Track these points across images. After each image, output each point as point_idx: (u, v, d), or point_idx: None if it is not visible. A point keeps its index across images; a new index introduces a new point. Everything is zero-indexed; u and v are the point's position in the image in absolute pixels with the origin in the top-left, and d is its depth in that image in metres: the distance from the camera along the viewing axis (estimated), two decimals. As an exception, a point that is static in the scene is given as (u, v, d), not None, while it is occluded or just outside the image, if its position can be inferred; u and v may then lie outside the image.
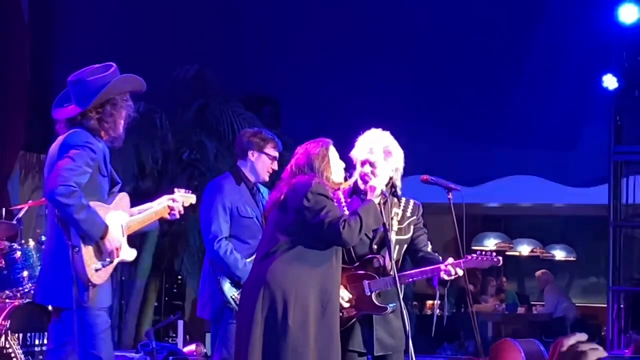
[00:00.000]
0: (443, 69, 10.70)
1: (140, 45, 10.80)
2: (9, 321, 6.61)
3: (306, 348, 4.96)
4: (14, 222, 7.37)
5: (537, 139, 10.50)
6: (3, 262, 7.06)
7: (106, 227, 4.90)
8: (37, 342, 6.84)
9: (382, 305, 5.30)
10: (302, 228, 5.05)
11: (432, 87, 10.71)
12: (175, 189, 5.45)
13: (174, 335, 9.94)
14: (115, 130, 5.08)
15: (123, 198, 5.18)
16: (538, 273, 14.25)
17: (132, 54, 10.42)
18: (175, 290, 12.43)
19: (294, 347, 4.94)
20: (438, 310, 6.00)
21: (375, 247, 5.36)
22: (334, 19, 10.96)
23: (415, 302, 13.42)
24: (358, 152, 5.36)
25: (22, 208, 7.44)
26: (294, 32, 10.98)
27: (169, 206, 5.30)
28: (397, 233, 5.38)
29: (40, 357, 6.78)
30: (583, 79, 10.04)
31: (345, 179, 5.30)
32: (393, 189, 5.39)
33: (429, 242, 5.55)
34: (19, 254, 7.04)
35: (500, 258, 5.40)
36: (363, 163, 5.33)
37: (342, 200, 5.37)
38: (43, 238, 6.64)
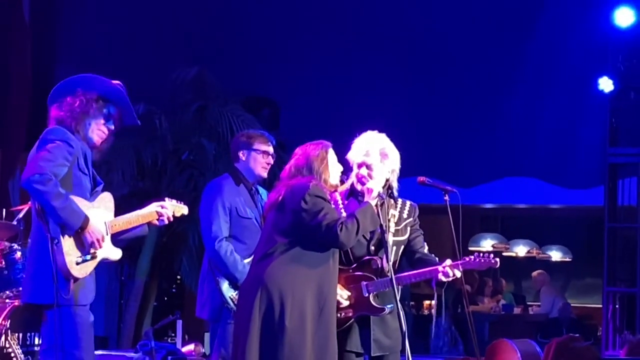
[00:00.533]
0: (440, 72, 10.74)
1: (141, 47, 10.85)
2: (9, 321, 6.61)
3: (303, 349, 4.98)
4: (15, 222, 7.39)
5: (534, 141, 10.55)
6: (3, 263, 7.08)
7: (86, 217, 4.80)
8: (36, 341, 6.82)
9: (380, 307, 5.33)
10: (299, 230, 5.08)
11: (429, 90, 10.75)
12: (167, 198, 5.37)
13: (173, 335, 9.97)
14: (82, 129, 4.97)
15: (106, 198, 5.10)
16: (534, 274, 14.31)
17: (132, 55, 10.50)
18: (174, 291, 12.48)
19: (291, 348, 4.96)
20: (435, 311, 6.07)
21: (372, 248, 5.39)
22: (333, 22, 11.00)
23: (412, 302, 13.47)
24: (354, 155, 5.39)
25: (22, 209, 7.45)
26: (294, 35, 11.01)
27: (157, 212, 5.20)
28: (394, 234, 5.42)
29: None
30: (579, 81, 10.08)
31: (342, 182, 5.34)
32: (389, 191, 5.44)
33: (425, 244, 5.59)
34: (19, 254, 7.07)
35: (498, 260, 5.41)
36: (360, 165, 5.37)
37: (340, 201, 5.41)
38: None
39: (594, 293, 13.58)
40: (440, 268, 5.30)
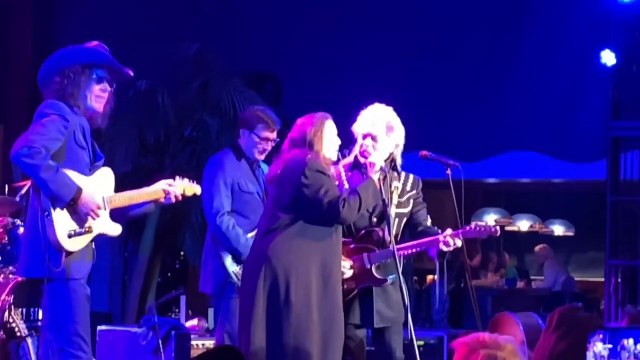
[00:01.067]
0: (443, 45, 10.69)
1: (142, 24, 10.80)
2: (12, 296, 6.64)
3: (309, 323, 5.02)
4: (17, 198, 7.40)
5: (536, 115, 10.52)
6: (6, 239, 7.09)
7: (79, 189, 4.74)
8: (40, 316, 6.88)
9: (382, 277, 5.36)
10: (301, 205, 5.10)
11: (431, 65, 10.71)
12: (177, 177, 5.32)
13: (177, 310, 10.00)
14: (82, 103, 4.94)
15: (106, 172, 5.05)
16: (537, 248, 14.34)
17: (133, 32, 10.46)
18: (177, 267, 12.51)
19: (297, 322, 5.00)
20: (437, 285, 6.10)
21: (374, 220, 5.42)
22: (334, -4, 10.97)
23: (415, 277, 13.50)
24: (360, 126, 5.40)
25: (25, 184, 7.45)
26: (296, 10, 10.97)
27: (164, 190, 5.17)
28: (397, 206, 5.44)
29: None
30: (581, 54, 10.04)
31: (338, 159, 5.32)
32: (393, 163, 5.45)
33: (428, 217, 5.61)
34: (22, 230, 7.08)
35: (499, 227, 5.47)
36: (365, 136, 5.37)
37: (343, 174, 5.42)
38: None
39: (597, 267, 13.59)
40: (441, 237, 5.32)
